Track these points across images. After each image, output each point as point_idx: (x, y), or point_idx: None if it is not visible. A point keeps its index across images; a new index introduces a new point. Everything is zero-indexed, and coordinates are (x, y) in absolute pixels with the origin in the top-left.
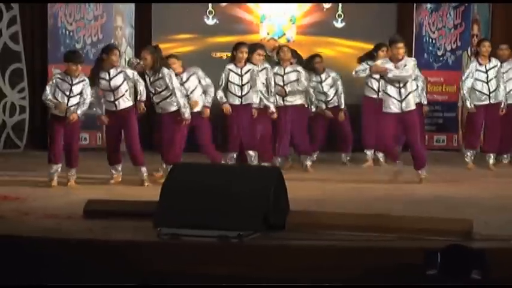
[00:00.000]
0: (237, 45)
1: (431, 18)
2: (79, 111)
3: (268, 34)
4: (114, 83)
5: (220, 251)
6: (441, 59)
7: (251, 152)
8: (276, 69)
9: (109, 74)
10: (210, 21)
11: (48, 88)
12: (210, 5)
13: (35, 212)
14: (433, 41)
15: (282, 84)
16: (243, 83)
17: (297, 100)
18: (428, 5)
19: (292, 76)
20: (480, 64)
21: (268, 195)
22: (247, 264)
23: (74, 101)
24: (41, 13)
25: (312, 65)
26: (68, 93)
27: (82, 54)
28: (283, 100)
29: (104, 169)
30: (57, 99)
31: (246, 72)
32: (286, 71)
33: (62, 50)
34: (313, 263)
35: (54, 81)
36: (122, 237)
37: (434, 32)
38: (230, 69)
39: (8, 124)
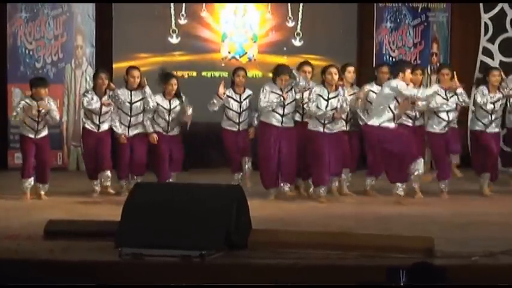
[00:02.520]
0: (236, 70)
1: (391, 36)
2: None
3: (229, 53)
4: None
5: (183, 270)
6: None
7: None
8: (319, 90)
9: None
10: (174, 39)
11: (18, 109)
12: (173, 23)
13: None
14: (393, 59)
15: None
16: (241, 110)
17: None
18: (388, 24)
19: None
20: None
21: (230, 214)
22: (209, 284)
23: (42, 124)
24: (0, 32)
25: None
26: (36, 118)
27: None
28: (324, 126)
29: (64, 189)
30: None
31: (245, 99)
32: (330, 95)
33: (22, 70)
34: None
35: (21, 105)
36: (83, 258)
37: (394, 51)
38: (229, 96)
39: None
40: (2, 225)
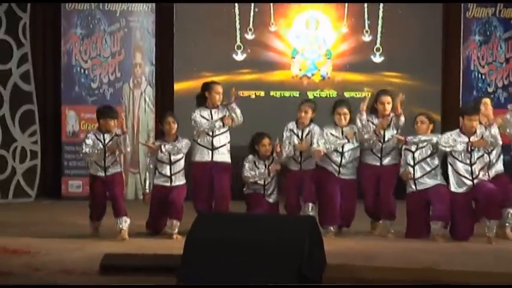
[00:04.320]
0: (300, 104)
1: (480, 51)
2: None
3: (300, 70)
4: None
5: None
6: (492, 96)
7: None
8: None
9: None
10: (239, 56)
11: (86, 143)
12: (238, 38)
13: (47, 267)
14: (483, 77)
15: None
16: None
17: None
18: (477, 38)
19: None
20: None
21: (303, 247)
22: None
23: (111, 159)
24: (54, 50)
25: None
26: (103, 154)
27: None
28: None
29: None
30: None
31: (307, 134)
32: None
33: (77, 90)
34: None
35: (90, 138)
36: None
37: (483, 67)
38: (291, 129)
39: (18, 171)
40: (55, 258)
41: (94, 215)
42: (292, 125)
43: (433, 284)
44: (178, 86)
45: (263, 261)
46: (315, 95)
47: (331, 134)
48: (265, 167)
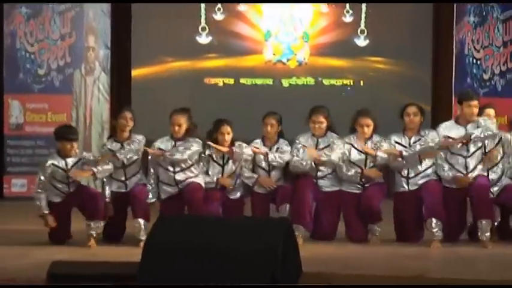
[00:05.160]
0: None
1: (476, 34)
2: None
3: (274, 55)
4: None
5: None
6: (488, 83)
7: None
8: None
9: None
10: (204, 39)
11: (40, 179)
12: (203, 19)
13: None
14: (478, 62)
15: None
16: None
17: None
18: (472, 19)
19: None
20: None
21: (276, 252)
22: None
23: (74, 186)
24: None
25: None
26: (66, 181)
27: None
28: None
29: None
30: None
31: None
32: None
33: (21, 77)
34: None
35: (47, 170)
36: None
37: (479, 51)
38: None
39: None
40: None
41: (56, 238)
42: (257, 142)
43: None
44: (136, 73)
45: (232, 268)
46: (291, 82)
47: (303, 145)
48: (223, 161)
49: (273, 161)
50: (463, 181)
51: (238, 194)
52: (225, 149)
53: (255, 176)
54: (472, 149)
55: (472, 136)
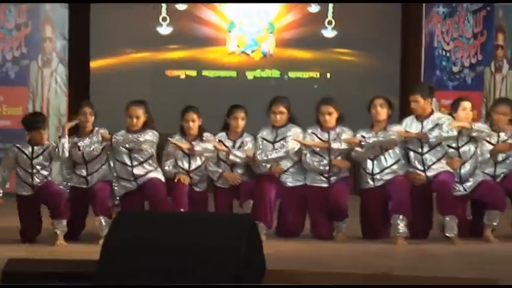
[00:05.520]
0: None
1: (445, 25)
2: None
3: (238, 47)
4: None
5: None
6: (457, 76)
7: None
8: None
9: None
10: (165, 29)
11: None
12: (163, 9)
13: None
14: (447, 54)
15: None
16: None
17: None
18: (441, 10)
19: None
20: None
21: (239, 250)
22: None
23: (39, 177)
24: None
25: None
26: (30, 169)
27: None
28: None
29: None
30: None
31: (239, 147)
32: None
33: None
34: None
35: (10, 154)
36: None
37: (448, 43)
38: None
39: None
40: None
41: (27, 236)
42: (222, 135)
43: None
44: (94, 64)
45: (193, 266)
46: (256, 75)
47: (263, 139)
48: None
49: (235, 160)
50: (414, 178)
51: (204, 186)
52: (185, 146)
53: (220, 170)
54: (426, 147)
55: (430, 138)
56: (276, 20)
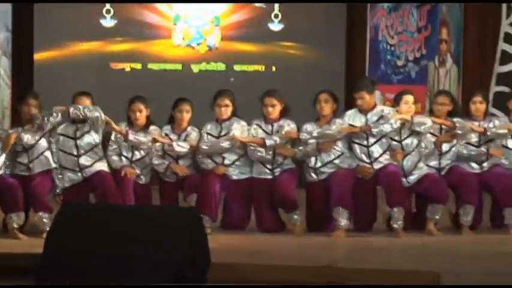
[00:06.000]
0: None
1: (390, 19)
2: None
3: (183, 40)
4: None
5: None
6: (402, 70)
7: None
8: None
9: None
10: (108, 22)
11: None
12: (107, 2)
13: None
14: (392, 48)
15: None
16: None
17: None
18: (386, 4)
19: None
20: None
21: (184, 244)
22: None
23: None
24: None
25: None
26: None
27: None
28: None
29: None
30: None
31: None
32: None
33: None
34: None
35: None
36: None
37: (393, 37)
38: (166, 134)
39: None
40: None
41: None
42: (167, 128)
43: (328, 285)
44: (38, 56)
45: (137, 260)
46: (201, 68)
47: (207, 133)
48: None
49: (180, 151)
50: (363, 171)
51: (147, 179)
52: (118, 129)
53: (166, 162)
54: (372, 139)
55: (374, 131)
56: (221, 13)
